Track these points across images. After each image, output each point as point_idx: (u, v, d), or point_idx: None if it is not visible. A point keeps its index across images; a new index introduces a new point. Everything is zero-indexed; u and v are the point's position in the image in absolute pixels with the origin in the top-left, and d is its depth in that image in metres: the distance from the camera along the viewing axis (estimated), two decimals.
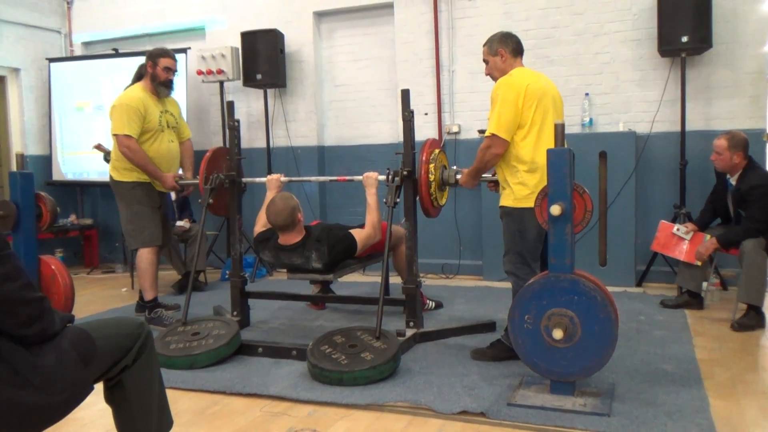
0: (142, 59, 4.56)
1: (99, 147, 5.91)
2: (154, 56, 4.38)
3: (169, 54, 4.42)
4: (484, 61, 3.41)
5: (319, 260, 3.53)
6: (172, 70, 4.42)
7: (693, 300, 4.35)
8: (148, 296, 4.41)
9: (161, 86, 4.39)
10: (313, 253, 3.54)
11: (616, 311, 2.73)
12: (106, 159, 5.55)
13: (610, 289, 2.96)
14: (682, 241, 4.35)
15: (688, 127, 4.94)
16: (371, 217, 3.73)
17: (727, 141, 4.05)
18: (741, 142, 4.04)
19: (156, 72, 4.36)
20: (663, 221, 4.57)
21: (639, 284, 5.07)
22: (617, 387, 2.90)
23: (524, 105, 3.12)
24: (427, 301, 4.50)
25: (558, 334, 2.64)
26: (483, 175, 3.47)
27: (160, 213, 4.52)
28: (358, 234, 3.70)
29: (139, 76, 4.48)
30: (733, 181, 4.14)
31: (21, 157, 4.09)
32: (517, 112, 3.12)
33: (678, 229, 4.38)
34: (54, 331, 1.70)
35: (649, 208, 5.19)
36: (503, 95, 3.14)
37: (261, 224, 3.90)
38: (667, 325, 3.95)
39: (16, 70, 6.90)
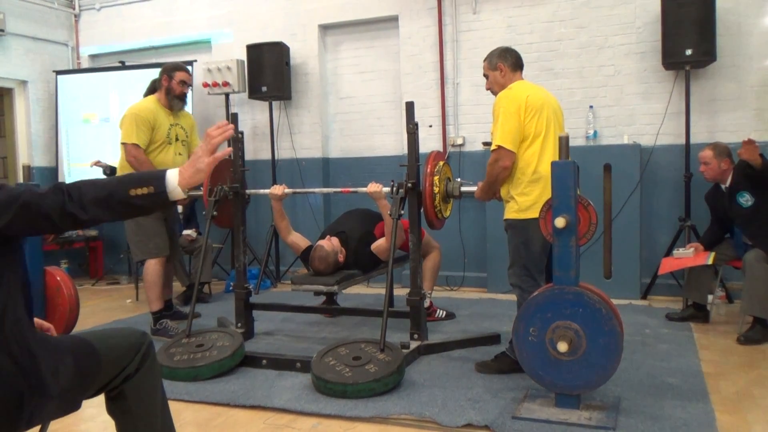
0: (148, 72, 4.62)
1: (98, 164, 5.87)
2: (169, 70, 4.45)
3: (184, 68, 4.53)
4: (485, 75, 3.42)
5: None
6: (187, 84, 4.51)
7: (699, 313, 4.32)
8: (154, 307, 4.41)
9: (176, 99, 4.47)
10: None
11: (621, 324, 2.72)
12: (107, 174, 5.57)
13: (615, 301, 2.95)
14: (686, 258, 4.31)
15: (693, 140, 4.94)
16: (389, 228, 3.80)
17: (713, 150, 4.12)
18: (725, 150, 4.12)
19: (172, 85, 4.42)
20: (663, 259, 4.51)
21: (644, 297, 5.05)
22: (622, 400, 2.89)
23: (526, 116, 3.13)
24: (438, 310, 4.51)
25: (563, 346, 2.63)
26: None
27: (167, 225, 4.53)
28: (377, 248, 4.13)
29: (152, 90, 4.55)
30: (726, 184, 4.13)
31: (27, 169, 4.12)
32: (520, 123, 3.13)
33: (678, 250, 4.36)
34: (74, 211, 1.62)
35: (654, 220, 5.19)
36: (505, 108, 3.14)
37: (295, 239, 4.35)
38: (672, 339, 3.93)
39: (24, 83, 6.96)
